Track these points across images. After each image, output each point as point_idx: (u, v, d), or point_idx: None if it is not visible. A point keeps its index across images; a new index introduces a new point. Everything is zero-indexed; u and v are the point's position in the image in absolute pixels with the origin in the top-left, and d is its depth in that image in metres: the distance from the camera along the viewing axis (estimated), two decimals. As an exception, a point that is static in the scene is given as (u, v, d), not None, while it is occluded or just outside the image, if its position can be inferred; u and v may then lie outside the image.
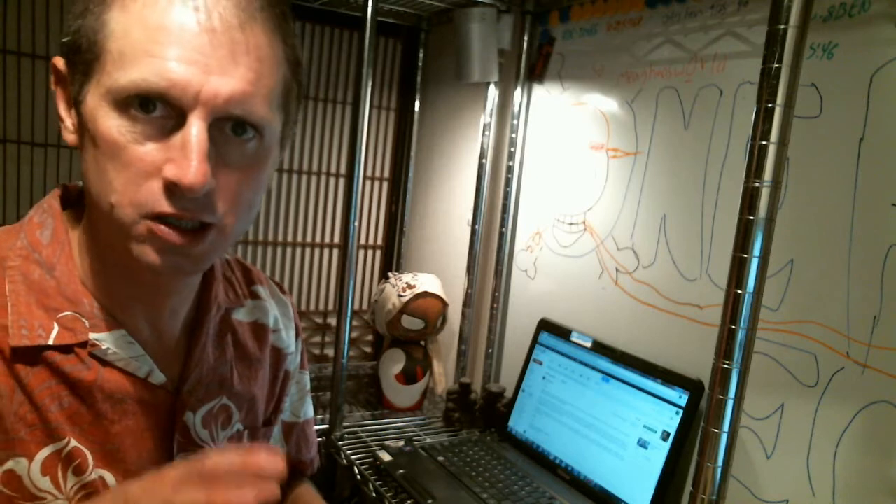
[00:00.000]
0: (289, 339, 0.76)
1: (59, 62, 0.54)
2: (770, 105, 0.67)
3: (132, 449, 0.58)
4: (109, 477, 0.57)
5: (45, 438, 0.54)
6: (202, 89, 0.48)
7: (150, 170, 0.49)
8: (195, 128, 0.49)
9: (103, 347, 0.56)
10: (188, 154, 0.48)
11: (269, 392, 0.73)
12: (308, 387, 0.84)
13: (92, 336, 0.55)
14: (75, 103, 0.53)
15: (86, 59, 0.51)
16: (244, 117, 0.51)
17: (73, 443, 0.55)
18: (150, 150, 0.49)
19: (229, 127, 0.51)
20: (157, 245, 0.51)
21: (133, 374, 0.58)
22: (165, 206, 0.50)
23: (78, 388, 0.55)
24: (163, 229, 0.50)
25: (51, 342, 0.54)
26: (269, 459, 0.48)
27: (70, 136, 0.55)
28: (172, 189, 0.49)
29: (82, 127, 0.52)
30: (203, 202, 0.51)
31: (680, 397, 1.07)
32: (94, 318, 0.56)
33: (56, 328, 0.54)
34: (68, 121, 0.55)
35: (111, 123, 0.49)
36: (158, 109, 0.49)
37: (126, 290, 0.58)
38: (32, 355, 0.54)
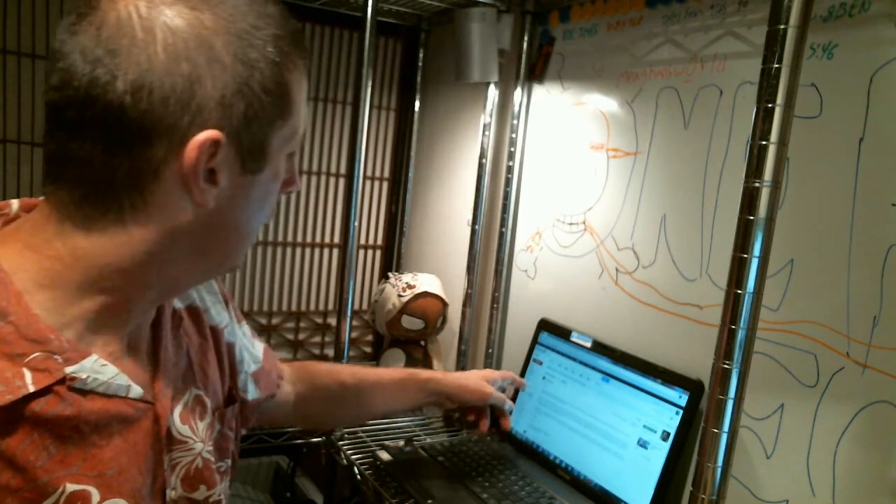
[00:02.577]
0: (220, 316, 0.76)
1: (220, 136, 0.52)
2: (770, 105, 0.67)
3: (131, 466, 0.57)
4: (123, 503, 0.56)
5: (35, 497, 0.51)
6: None
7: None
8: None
9: (83, 378, 0.54)
10: (297, 169, 0.64)
11: (220, 372, 0.74)
12: (250, 332, 0.85)
13: (68, 370, 0.53)
14: (251, 153, 0.55)
15: (275, 123, 0.56)
16: None
17: (71, 487, 0.53)
18: None
19: None
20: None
21: (114, 395, 0.56)
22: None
23: (63, 430, 0.53)
24: None
25: (32, 389, 0.50)
26: None
27: (208, 199, 0.54)
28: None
29: (246, 179, 0.56)
30: None
31: (680, 397, 1.07)
32: (65, 352, 0.53)
33: (28, 374, 0.51)
34: (207, 186, 0.54)
35: (283, 170, 0.60)
36: None
37: (113, 316, 0.56)
38: (10, 413, 0.50)
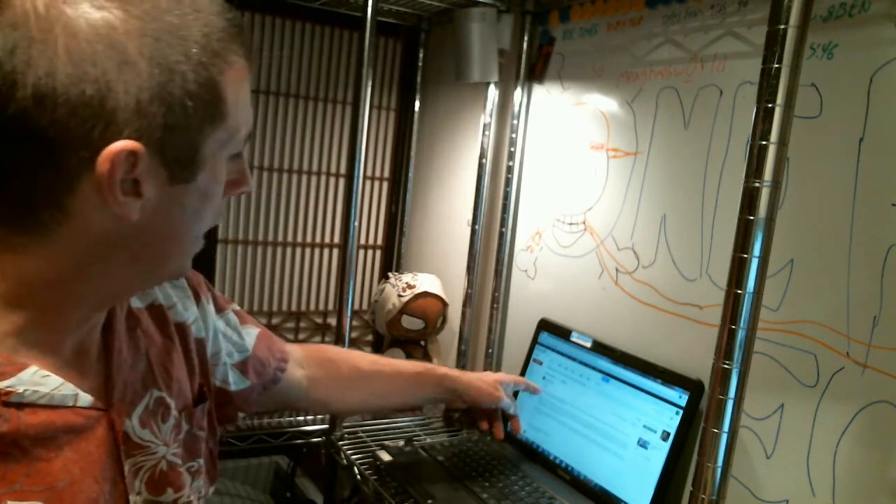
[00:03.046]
0: (187, 311, 0.74)
1: (137, 146, 0.48)
2: (770, 105, 0.67)
3: (85, 476, 0.55)
4: None
5: None
6: None
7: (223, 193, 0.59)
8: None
9: (19, 391, 0.51)
10: (247, 167, 0.62)
11: (188, 370, 0.71)
12: (237, 320, 0.83)
13: (1, 384, 0.50)
14: (179, 161, 0.52)
15: (205, 129, 0.53)
16: None
17: None
18: None
19: None
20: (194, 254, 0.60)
21: (59, 406, 0.54)
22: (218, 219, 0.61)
23: (1, 445, 0.50)
24: None
25: None
26: None
27: (132, 212, 0.51)
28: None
29: (177, 188, 0.53)
30: None
31: (680, 397, 1.07)
32: None
33: None
34: (129, 199, 0.50)
35: (223, 175, 0.57)
36: None
37: (48, 329, 0.54)
38: None
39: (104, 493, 0.57)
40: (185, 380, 0.70)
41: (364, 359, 1.03)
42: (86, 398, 0.56)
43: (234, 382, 0.81)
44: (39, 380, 0.53)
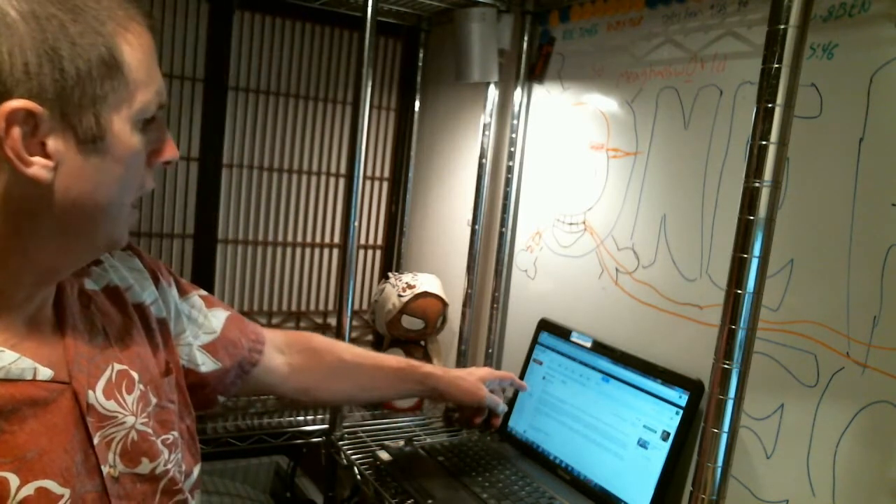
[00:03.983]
0: (144, 292, 0.75)
1: (32, 105, 0.50)
2: (770, 105, 0.67)
3: (54, 447, 0.57)
4: (50, 483, 0.55)
5: None
6: None
7: (145, 163, 0.60)
8: (163, 123, 0.61)
9: None
10: (170, 140, 0.63)
11: (151, 347, 0.72)
12: (202, 303, 0.84)
13: None
14: (81, 121, 0.53)
15: (103, 88, 0.54)
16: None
17: None
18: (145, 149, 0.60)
19: None
20: (130, 224, 0.62)
21: (18, 380, 0.55)
22: (152, 184, 0.62)
23: None
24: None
25: None
26: None
27: (43, 173, 0.52)
28: (160, 168, 0.63)
29: (87, 151, 0.54)
30: None
31: (680, 397, 1.07)
32: None
33: None
34: (39, 159, 0.52)
35: (137, 141, 0.58)
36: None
37: (4, 297, 0.57)
38: None
39: (76, 463, 0.58)
40: (150, 356, 0.71)
41: (348, 350, 1.03)
42: (45, 372, 0.57)
43: (204, 363, 0.81)
44: None
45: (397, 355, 1.57)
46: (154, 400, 0.69)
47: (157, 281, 0.77)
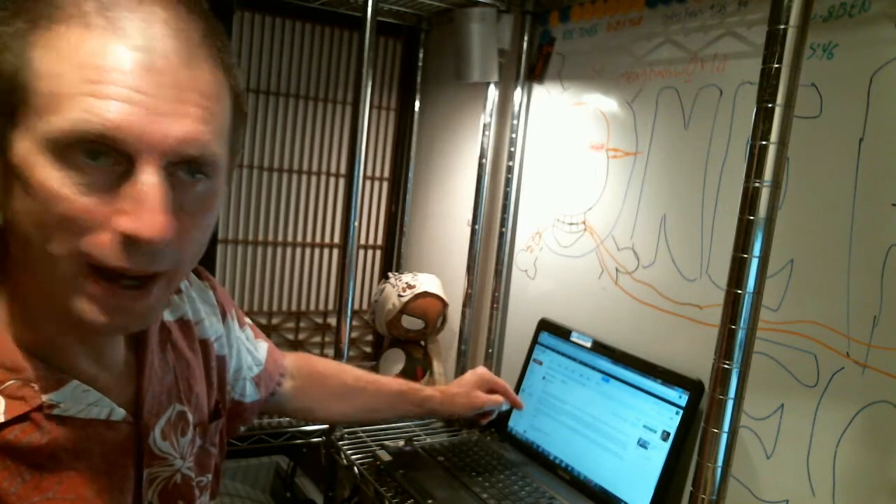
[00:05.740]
0: (213, 328, 0.74)
1: None
2: (770, 105, 0.67)
3: (112, 487, 0.56)
4: None
5: None
6: (148, 131, 0.45)
7: (100, 221, 0.45)
8: (148, 175, 0.45)
9: (62, 406, 0.52)
10: (145, 205, 0.45)
11: (207, 386, 0.72)
12: (253, 335, 0.85)
13: (45, 398, 0.51)
14: None
15: (7, 101, 0.45)
16: (200, 157, 0.48)
17: None
18: (98, 202, 0.45)
19: (183, 170, 0.48)
20: (104, 305, 0.48)
21: (95, 419, 0.55)
22: (117, 261, 0.46)
23: (38, 457, 0.51)
24: (111, 287, 0.47)
25: (2, 419, 0.49)
26: None
27: None
28: (127, 243, 0.45)
29: (5, 174, 0.47)
30: (158, 254, 0.47)
31: (680, 397, 1.07)
32: (42, 380, 0.51)
33: (2, 402, 0.49)
34: None
35: (51, 174, 0.44)
36: (106, 156, 0.45)
37: (66, 336, 0.54)
38: None
39: (125, 502, 0.58)
40: (205, 395, 0.71)
41: (350, 374, 1.04)
42: (119, 412, 0.57)
43: (250, 395, 0.82)
44: (81, 394, 0.54)
45: (397, 355, 1.58)
46: (199, 442, 0.69)
47: (224, 317, 0.77)
